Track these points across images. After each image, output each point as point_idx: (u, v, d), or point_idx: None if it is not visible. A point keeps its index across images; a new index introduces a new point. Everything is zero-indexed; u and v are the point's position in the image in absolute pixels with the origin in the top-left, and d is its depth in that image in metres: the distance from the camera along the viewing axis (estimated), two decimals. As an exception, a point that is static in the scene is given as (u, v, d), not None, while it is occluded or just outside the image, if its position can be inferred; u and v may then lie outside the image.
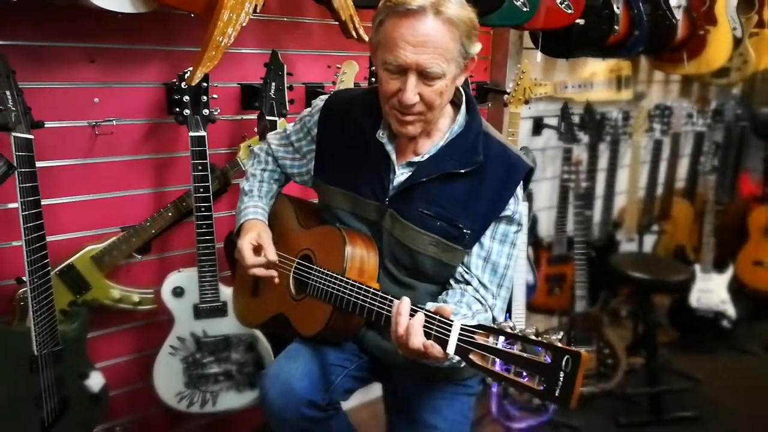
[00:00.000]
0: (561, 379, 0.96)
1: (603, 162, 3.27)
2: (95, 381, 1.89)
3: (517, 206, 1.43)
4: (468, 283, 1.42)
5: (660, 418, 2.79)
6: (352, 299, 1.35)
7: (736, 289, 3.49)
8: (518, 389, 1.01)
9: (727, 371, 3.27)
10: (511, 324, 1.05)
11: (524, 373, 1.01)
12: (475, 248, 1.42)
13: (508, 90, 2.77)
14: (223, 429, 2.37)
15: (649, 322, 2.89)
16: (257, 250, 1.54)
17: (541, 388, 0.98)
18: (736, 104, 3.95)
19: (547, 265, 3.06)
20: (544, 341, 0.98)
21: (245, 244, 1.52)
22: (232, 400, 2.12)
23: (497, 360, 1.04)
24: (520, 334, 1.02)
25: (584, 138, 3.11)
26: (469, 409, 1.58)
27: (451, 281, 1.45)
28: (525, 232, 1.50)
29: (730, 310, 3.42)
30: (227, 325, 2.05)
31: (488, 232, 1.43)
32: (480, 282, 1.42)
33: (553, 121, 3.07)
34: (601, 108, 3.21)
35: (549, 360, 0.97)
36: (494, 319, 1.42)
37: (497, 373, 1.03)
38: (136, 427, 2.17)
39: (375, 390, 1.74)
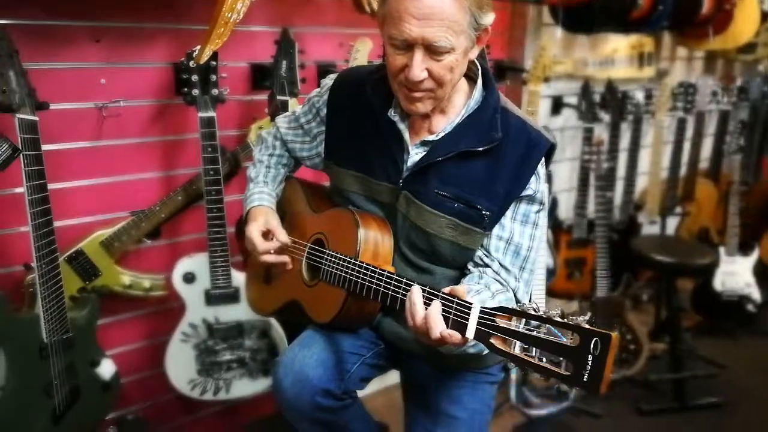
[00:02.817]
0: (589, 363, 0.90)
1: (624, 142, 3.18)
2: (106, 368, 1.86)
3: (538, 185, 1.36)
4: (488, 266, 1.36)
5: (683, 405, 2.71)
6: (366, 283, 1.29)
7: (760, 272, 3.39)
8: (543, 375, 0.95)
9: (752, 356, 3.18)
10: (534, 306, 0.99)
11: (549, 358, 0.95)
12: (495, 230, 1.36)
13: (526, 68, 2.70)
14: (236, 415, 2.34)
15: (673, 307, 2.81)
16: (266, 235, 1.49)
17: (568, 373, 0.92)
18: (762, 81, 3.82)
19: (567, 248, 2.98)
20: (571, 323, 0.92)
21: (253, 231, 1.47)
22: (245, 387, 2.08)
23: (520, 344, 0.98)
24: (544, 315, 0.95)
25: (605, 117, 3.02)
26: (490, 398, 1.52)
27: (470, 265, 1.39)
28: (547, 212, 1.42)
29: (756, 294, 3.32)
30: (240, 312, 2.01)
31: (509, 213, 1.35)
32: (501, 265, 1.35)
33: (573, 100, 2.98)
34: (622, 86, 3.11)
35: (576, 343, 0.91)
36: (518, 302, 1.35)
37: (520, 358, 0.97)
38: (148, 414, 2.14)
39: (391, 376, 1.69)
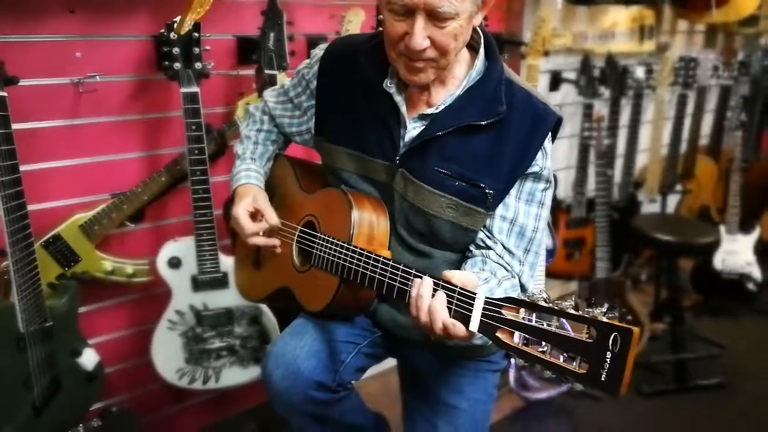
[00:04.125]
0: (608, 360, 0.81)
1: (623, 118, 3.09)
2: (89, 358, 1.78)
3: (545, 161, 1.27)
4: (490, 249, 1.27)
5: (685, 386, 2.66)
6: (360, 270, 1.20)
7: (760, 250, 3.33)
8: (555, 372, 0.86)
9: (752, 336, 3.14)
10: (544, 295, 0.90)
11: (563, 354, 0.86)
12: (499, 210, 1.27)
13: (525, 41, 2.60)
14: (227, 404, 2.27)
15: (674, 287, 2.75)
16: (255, 216, 1.39)
17: (584, 371, 0.83)
18: (763, 55, 3.73)
19: (566, 228, 2.91)
20: (587, 316, 0.83)
21: (240, 211, 1.37)
22: (236, 375, 2.00)
23: (529, 338, 0.89)
24: (556, 308, 0.86)
25: (605, 93, 2.92)
26: (493, 387, 1.45)
27: (472, 247, 1.30)
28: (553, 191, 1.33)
29: (756, 273, 3.28)
30: (229, 298, 1.92)
31: (513, 192, 1.27)
32: (504, 247, 1.27)
33: (572, 76, 2.89)
34: (622, 60, 3.01)
35: (593, 338, 0.83)
36: (522, 287, 1.27)
37: (529, 354, 0.89)
38: (136, 404, 2.06)
39: (386, 361, 1.61)
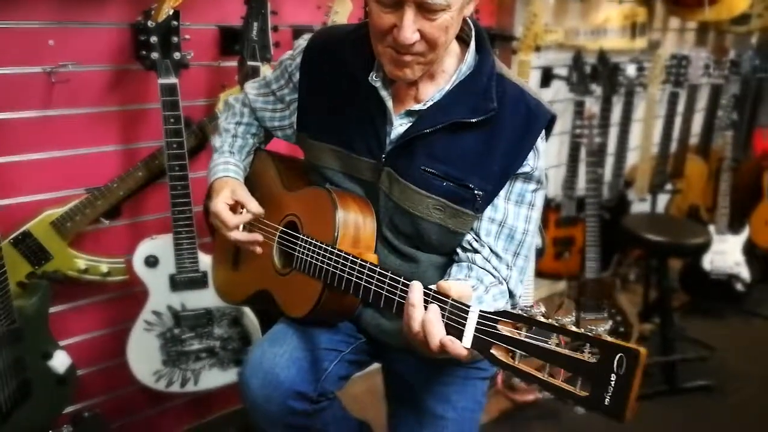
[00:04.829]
0: (612, 383, 0.75)
1: (614, 116, 3.04)
2: (60, 361, 1.70)
3: (536, 161, 1.21)
4: (477, 252, 1.21)
5: (674, 388, 2.63)
6: (345, 276, 1.13)
7: (748, 250, 3.31)
8: (555, 394, 0.80)
9: (741, 337, 3.11)
10: (542, 309, 0.84)
11: (562, 375, 0.80)
12: (487, 211, 1.21)
13: (516, 36, 2.54)
14: (206, 407, 2.20)
15: (664, 288, 2.71)
16: (235, 208, 1.32)
17: (586, 394, 0.77)
18: (754, 54, 3.70)
19: (555, 227, 2.86)
20: (590, 334, 0.77)
21: (219, 204, 1.30)
22: (215, 378, 1.94)
23: (526, 356, 0.83)
24: (557, 324, 0.80)
25: (596, 90, 2.87)
26: (482, 395, 1.39)
27: (458, 250, 1.24)
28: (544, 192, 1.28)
29: (744, 273, 3.25)
30: (208, 298, 1.85)
31: (502, 193, 1.21)
32: (492, 251, 1.21)
33: (563, 71, 2.83)
34: (613, 57, 2.96)
35: (596, 358, 0.77)
36: (510, 294, 1.21)
37: (526, 373, 0.83)
38: (110, 407, 1.99)
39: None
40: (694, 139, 3.58)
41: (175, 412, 2.14)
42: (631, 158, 3.26)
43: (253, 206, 1.32)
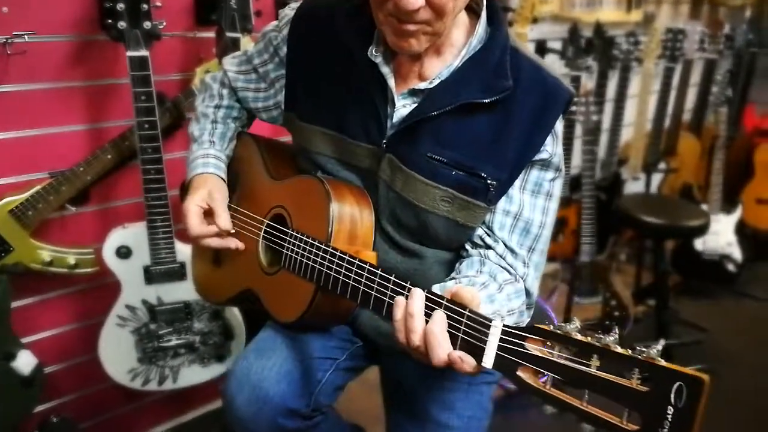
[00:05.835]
0: (669, 416, 0.63)
1: (609, 92, 2.93)
2: (24, 361, 1.56)
3: (555, 146, 1.08)
4: (490, 248, 1.09)
5: (669, 373, 2.57)
6: (341, 277, 1.00)
7: (738, 229, 3.26)
8: (596, 426, 0.69)
9: (733, 318, 3.07)
10: (577, 325, 0.72)
11: (606, 402, 0.69)
12: (501, 203, 1.09)
13: (513, 7, 2.40)
14: (187, 405, 2.07)
15: (661, 272, 2.63)
16: (208, 213, 1.19)
17: (636, 428, 0.66)
18: (747, 28, 3.61)
19: (549, 208, 2.76)
20: (641, 357, 0.66)
21: (191, 207, 1.17)
22: (195, 374, 1.81)
23: (562, 380, 0.71)
24: (598, 343, 0.68)
25: (593, 65, 2.75)
26: (488, 401, 1.28)
27: (468, 246, 1.12)
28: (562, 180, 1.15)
29: (736, 253, 3.21)
30: (186, 290, 1.71)
31: (517, 182, 1.09)
32: (507, 246, 1.09)
33: (557, 45, 2.70)
34: (609, 31, 2.84)
35: (649, 386, 0.66)
36: (527, 292, 1.10)
37: (562, 401, 0.71)
38: (83, 406, 1.85)
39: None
40: (686, 116, 3.49)
41: (153, 410, 2.01)
42: (624, 135, 3.16)
43: (222, 220, 1.19)
